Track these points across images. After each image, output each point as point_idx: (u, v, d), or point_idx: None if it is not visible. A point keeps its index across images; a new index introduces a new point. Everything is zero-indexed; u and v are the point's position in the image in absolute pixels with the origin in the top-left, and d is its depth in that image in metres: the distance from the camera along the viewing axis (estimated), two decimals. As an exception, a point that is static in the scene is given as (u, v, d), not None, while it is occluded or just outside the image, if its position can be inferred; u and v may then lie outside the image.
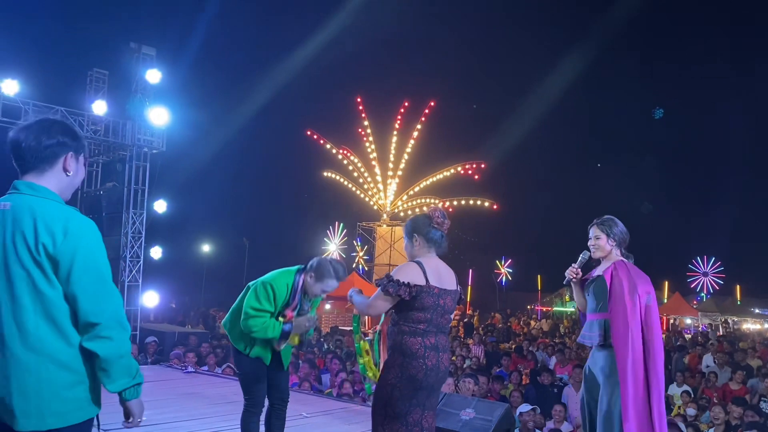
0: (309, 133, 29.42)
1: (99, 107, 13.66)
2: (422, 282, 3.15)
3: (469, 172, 28.61)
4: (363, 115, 29.02)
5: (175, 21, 28.53)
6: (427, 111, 28.59)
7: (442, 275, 3.24)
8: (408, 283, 3.13)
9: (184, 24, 28.22)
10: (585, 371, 3.77)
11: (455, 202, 28.71)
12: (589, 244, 3.84)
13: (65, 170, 2.17)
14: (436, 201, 28.98)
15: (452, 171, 28.87)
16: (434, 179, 29.41)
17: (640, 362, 3.42)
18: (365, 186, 29.94)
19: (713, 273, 34.88)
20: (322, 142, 29.36)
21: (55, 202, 2.10)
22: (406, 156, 29.42)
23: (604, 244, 3.77)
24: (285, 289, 3.81)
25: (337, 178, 29.70)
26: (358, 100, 28.89)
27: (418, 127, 28.83)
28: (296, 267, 3.98)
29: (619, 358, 3.43)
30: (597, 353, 3.66)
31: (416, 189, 29.78)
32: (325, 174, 29.75)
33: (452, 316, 3.41)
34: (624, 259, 3.75)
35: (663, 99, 32.26)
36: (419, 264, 3.21)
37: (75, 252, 2.00)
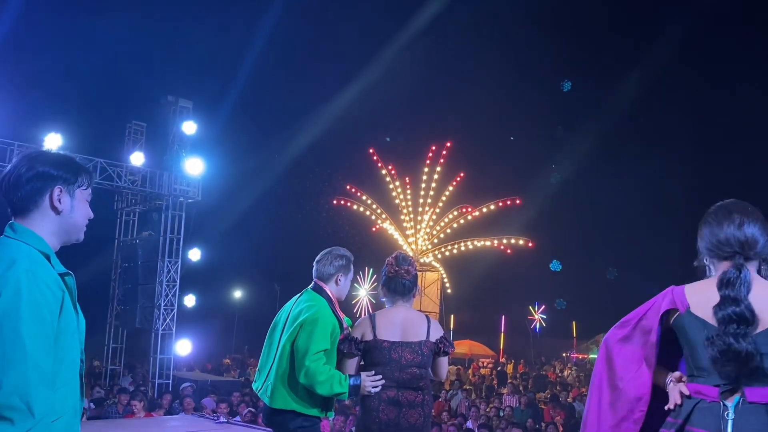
0: (348, 187, 30.10)
1: (137, 158, 14.09)
2: (370, 337, 3.09)
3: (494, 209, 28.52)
4: (380, 164, 29.54)
5: (211, 74, 29.47)
6: (444, 152, 28.92)
7: (404, 326, 3.12)
8: (355, 338, 3.10)
9: (220, 77, 29.14)
10: None
11: (488, 243, 28.53)
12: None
13: (53, 207, 1.83)
14: (469, 242, 28.90)
15: (485, 210, 28.78)
16: (465, 220, 29.33)
17: None
18: (396, 232, 30.07)
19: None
20: (359, 193, 29.89)
21: (26, 245, 1.76)
22: (436, 199, 29.61)
23: None
24: (331, 321, 3.27)
25: (382, 225, 29.89)
26: (371, 151, 29.50)
27: (438, 169, 29.14)
28: (308, 294, 3.43)
29: None
30: None
31: (447, 231, 29.73)
32: (374, 228, 29.96)
33: (422, 370, 3.11)
34: None
35: (713, 141, 31.84)
36: (371, 318, 3.16)
37: None
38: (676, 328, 2.08)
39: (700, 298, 2.05)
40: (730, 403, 1.94)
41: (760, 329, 1.94)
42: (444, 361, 3.26)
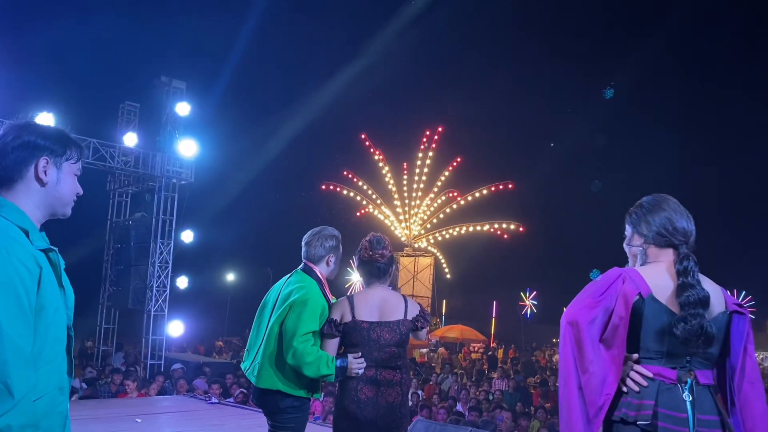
0: (345, 173, 30.04)
1: (130, 139, 14.00)
2: (348, 318, 3.12)
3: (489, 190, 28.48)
4: (372, 150, 29.46)
5: (205, 55, 29.27)
6: (436, 137, 28.91)
7: (382, 307, 3.16)
8: (334, 320, 3.14)
9: (213, 58, 28.92)
10: None
11: (479, 227, 28.58)
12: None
13: (38, 179, 1.77)
14: (461, 228, 28.97)
15: (477, 195, 28.77)
16: (457, 206, 29.35)
17: None
18: (389, 217, 30.06)
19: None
20: (355, 179, 29.85)
21: (4, 219, 1.68)
22: (430, 184, 29.61)
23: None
24: (320, 303, 3.25)
25: (373, 211, 29.86)
26: (363, 136, 29.40)
27: (430, 154, 29.17)
28: (298, 275, 3.40)
29: None
30: None
31: (440, 216, 29.76)
32: (359, 213, 29.90)
33: (400, 349, 3.16)
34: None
35: (703, 124, 32.15)
36: (350, 299, 3.19)
37: None
38: (634, 311, 2.10)
39: (658, 283, 2.13)
40: (685, 385, 2.05)
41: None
42: (423, 331, 3.30)
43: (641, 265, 2.26)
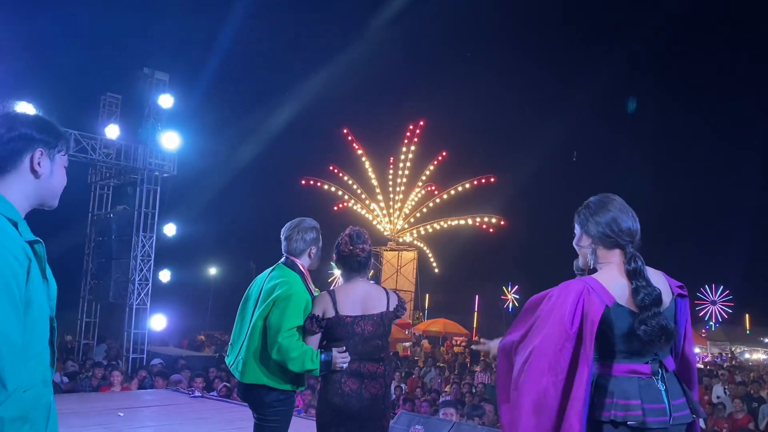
0: (331, 168, 29.96)
1: (111, 131, 13.85)
2: (331, 314, 3.12)
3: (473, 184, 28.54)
4: (355, 145, 29.41)
5: (188, 48, 29.03)
6: (418, 131, 28.93)
7: (364, 300, 3.16)
8: (317, 316, 3.14)
9: (197, 50, 28.70)
10: None
11: (461, 221, 28.66)
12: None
13: (33, 171, 1.78)
14: (443, 222, 29.05)
15: (459, 189, 28.81)
16: (440, 200, 29.41)
17: None
18: (374, 211, 30.04)
19: (721, 301, 34.56)
20: (341, 174, 29.80)
21: None
22: (414, 178, 29.63)
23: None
24: (304, 297, 3.24)
25: (351, 205, 29.80)
26: (345, 131, 29.33)
27: (413, 148, 29.23)
28: (280, 269, 3.37)
29: None
30: None
31: (424, 210, 29.81)
32: (335, 208, 29.82)
33: (383, 341, 3.19)
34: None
35: (680, 126, 32.60)
36: (331, 294, 3.18)
37: None
38: (602, 321, 2.14)
39: (617, 289, 2.19)
40: (657, 376, 2.17)
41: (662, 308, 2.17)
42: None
43: (592, 264, 2.31)
